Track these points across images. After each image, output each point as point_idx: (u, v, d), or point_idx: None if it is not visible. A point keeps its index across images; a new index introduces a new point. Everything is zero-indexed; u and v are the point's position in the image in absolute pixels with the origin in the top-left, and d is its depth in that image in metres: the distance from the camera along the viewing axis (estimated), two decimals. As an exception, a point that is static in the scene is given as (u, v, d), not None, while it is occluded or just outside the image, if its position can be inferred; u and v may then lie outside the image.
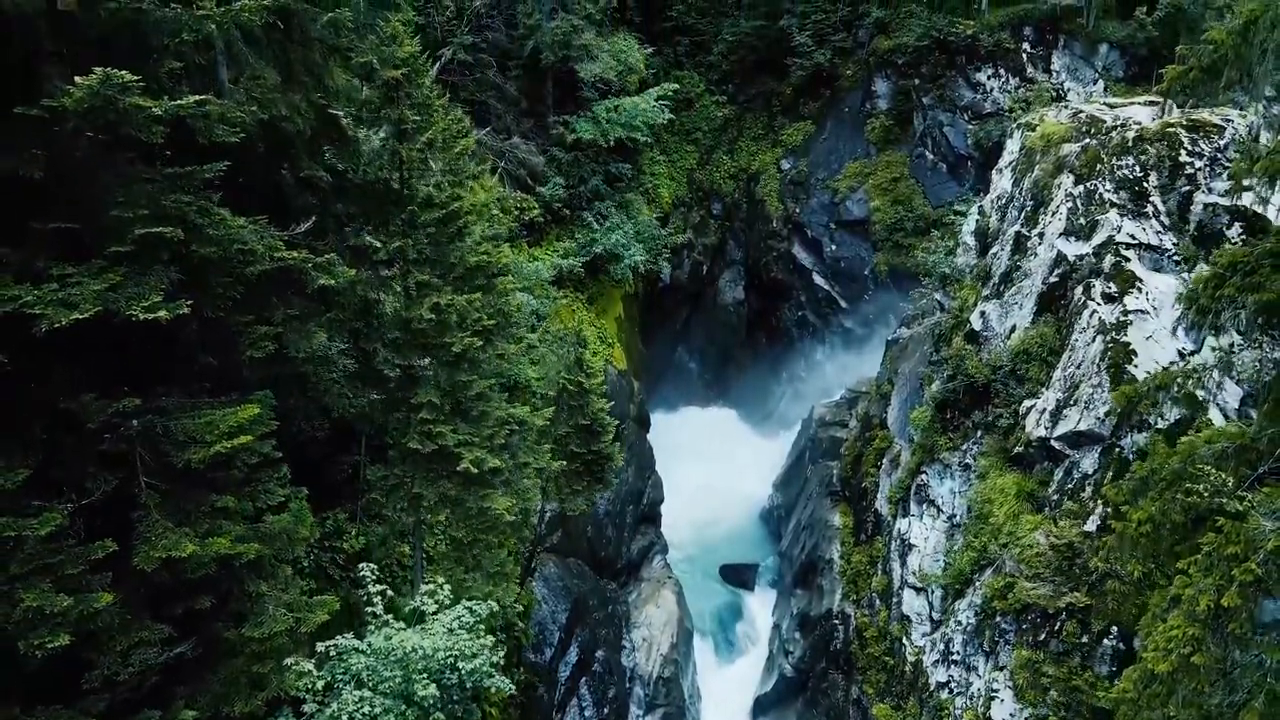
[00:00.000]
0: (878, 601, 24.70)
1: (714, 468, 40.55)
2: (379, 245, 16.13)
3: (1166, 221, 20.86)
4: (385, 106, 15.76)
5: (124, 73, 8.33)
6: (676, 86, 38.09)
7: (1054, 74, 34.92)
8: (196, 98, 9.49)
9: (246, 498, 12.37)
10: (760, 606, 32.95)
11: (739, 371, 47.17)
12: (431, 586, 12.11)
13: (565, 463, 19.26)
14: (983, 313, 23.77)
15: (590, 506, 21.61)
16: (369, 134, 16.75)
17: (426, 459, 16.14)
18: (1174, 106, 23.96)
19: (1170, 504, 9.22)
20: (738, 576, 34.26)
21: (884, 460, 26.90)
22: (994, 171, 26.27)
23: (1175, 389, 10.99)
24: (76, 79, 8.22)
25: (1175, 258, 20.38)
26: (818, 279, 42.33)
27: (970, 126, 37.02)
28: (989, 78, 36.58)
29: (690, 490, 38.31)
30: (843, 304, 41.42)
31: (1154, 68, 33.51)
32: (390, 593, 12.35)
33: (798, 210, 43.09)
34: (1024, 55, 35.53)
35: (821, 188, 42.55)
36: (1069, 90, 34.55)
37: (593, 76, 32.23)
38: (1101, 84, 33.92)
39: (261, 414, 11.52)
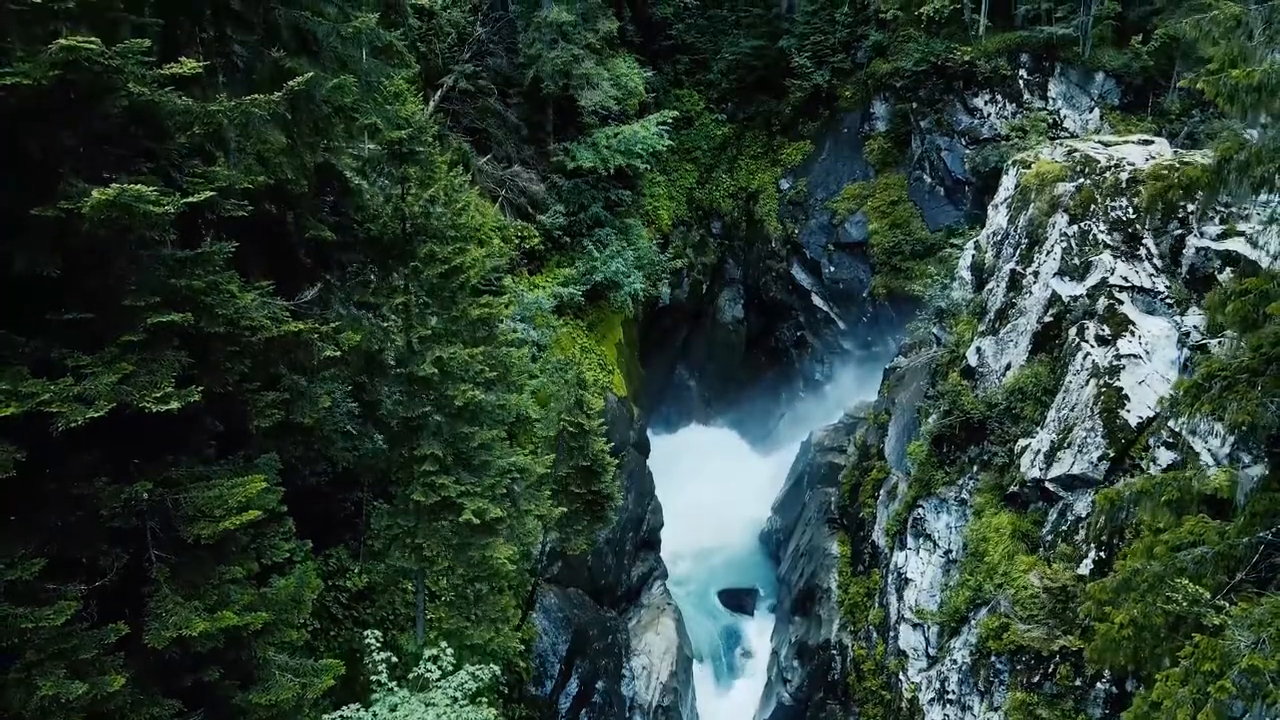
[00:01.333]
0: (875, 634, 24.95)
1: (714, 487, 40.77)
2: (383, 299, 16.45)
3: (1159, 264, 21.13)
4: (389, 164, 16.08)
5: (139, 186, 8.59)
6: (676, 113, 38.39)
7: (1050, 101, 35.19)
8: (209, 192, 9.75)
9: (252, 556, 12.64)
10: (759, 631, 33.21)
11: (738, 390, 47.39)
12: (435, 651, 12.36)
13: (565, 509, 19.53)
14: (979, 349, 24.02)
15: (591, 545, 21.88)
16: (373, 185, 17.08)
17: (430, 509, 16.42)
18: (1166, 146, 24.28)
19: (1151, 608, 9.47)
20: (736, 601, 34.53)
21: (881, 491, 27.16)
22: (990, 207, 26.53)
23: (1158, 495, 11.19)
24: (94, 192, 8.47)
25: (1168, 300, 20.64)
26: (816, 300, 42.60)
27: (967, 151, 37.29)
28: (986, 103, 36.85)
29: (690, 511, 38.50)
30: (841, 325, 41.69)
31: (1149, 96, 33.90)
32: (395, 659, 12.58)
33: (796, 231, 43.36)
34: (1021, 82, 35.80)
35: (820, 208, 42.82)
36: (1065, 117, 34.83)
37: (593, 105, 32.51)
38: (1098, 112, 34.19)
39: (268, 486, 11.76)
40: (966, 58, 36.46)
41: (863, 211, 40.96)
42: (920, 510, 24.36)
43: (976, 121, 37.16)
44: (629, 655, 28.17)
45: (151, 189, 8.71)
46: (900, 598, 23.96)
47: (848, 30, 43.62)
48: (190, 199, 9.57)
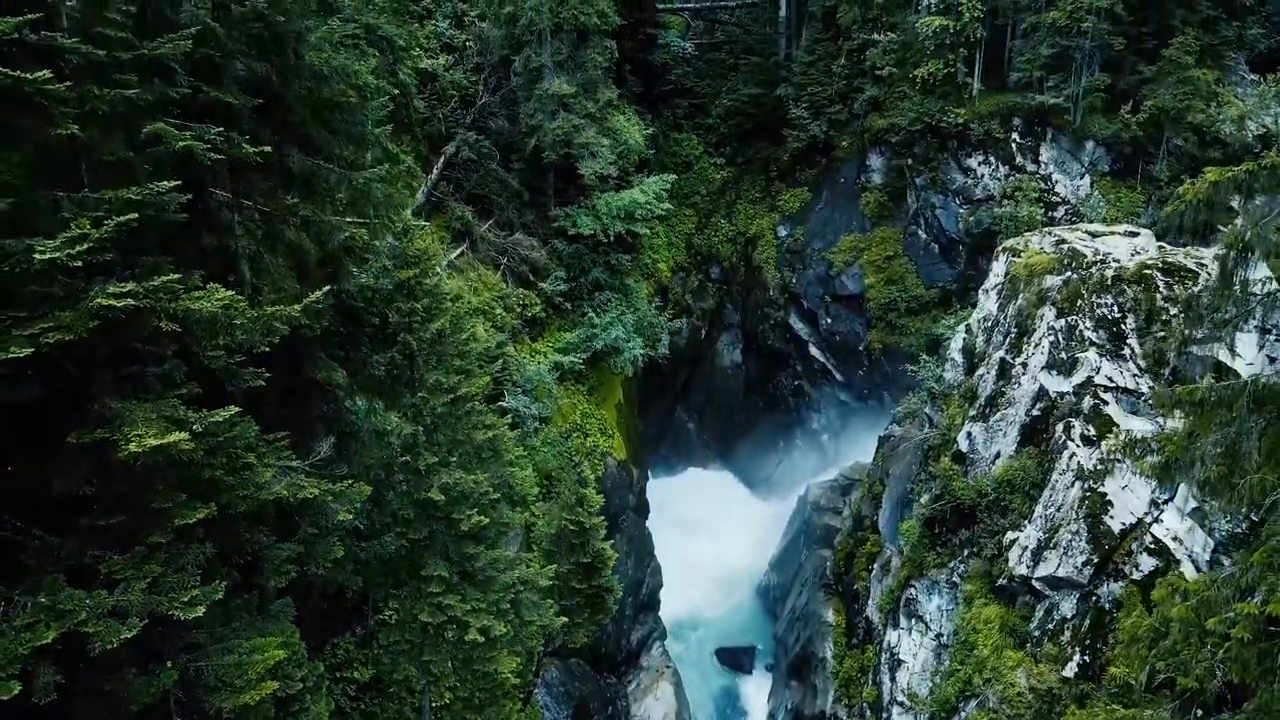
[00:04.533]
0: (869, 712, 25.55)
1: (712, 535, 41.46)
2: (392, 426, 17.08)
3: (1143, 364, 21.74)
4: (398, 297, 16.71)
5: (177, 434, 9.23)
6: (675, 176, 38.99)
7: (1042, 165, 35.81)
8: (234, 408, 10.38)
9: (269, 703, 13.25)
10: (756, 689, 33.82)
11: (737, 433, 48.02)
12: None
13: (567, 603, 20.15)
14: (969, 434, 24.63)
15: (591, 637, 22.50)
16: (380, 310, 17.71)
17: (436, 627, 17.04)
18: (1152, 240, 24.93)
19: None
20: (734, 659, 35.14)
21: (875, 565, 27.77)
22: (981, 291, 27.15)
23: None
24: (132, 444, 9.11)
25: (1151, 402, 21.23)
26: (814, 350, 43.22)
27: (961, 210, 37.89)
28: (979, 164, 37.47)
29: (689, 561, 39.17)
30: (838, 376, 42.29)
31: (1139, 163, 34.54)
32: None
33: (794, 280, 43.96)
34: (1013, 145, 36.43)
35: (817, 259, 43.41)
36: (1057, 182, 35.44)
37: (594, 173, 33.11)
38: (1089, 179, 34.80)
39: (286, 650, 12.37)
40: (960, 120, 37.06)
41: (859, 264, 41.56)
42: (912, 590, 24.97)
43: (970, 181, 37.77)
44: (628, 722, 28.79)
45: (186, 434, 9.33)
46: (893, 678, 24.57)
47: (845, 82, 44.22)
48: (217, 416, 10.19)
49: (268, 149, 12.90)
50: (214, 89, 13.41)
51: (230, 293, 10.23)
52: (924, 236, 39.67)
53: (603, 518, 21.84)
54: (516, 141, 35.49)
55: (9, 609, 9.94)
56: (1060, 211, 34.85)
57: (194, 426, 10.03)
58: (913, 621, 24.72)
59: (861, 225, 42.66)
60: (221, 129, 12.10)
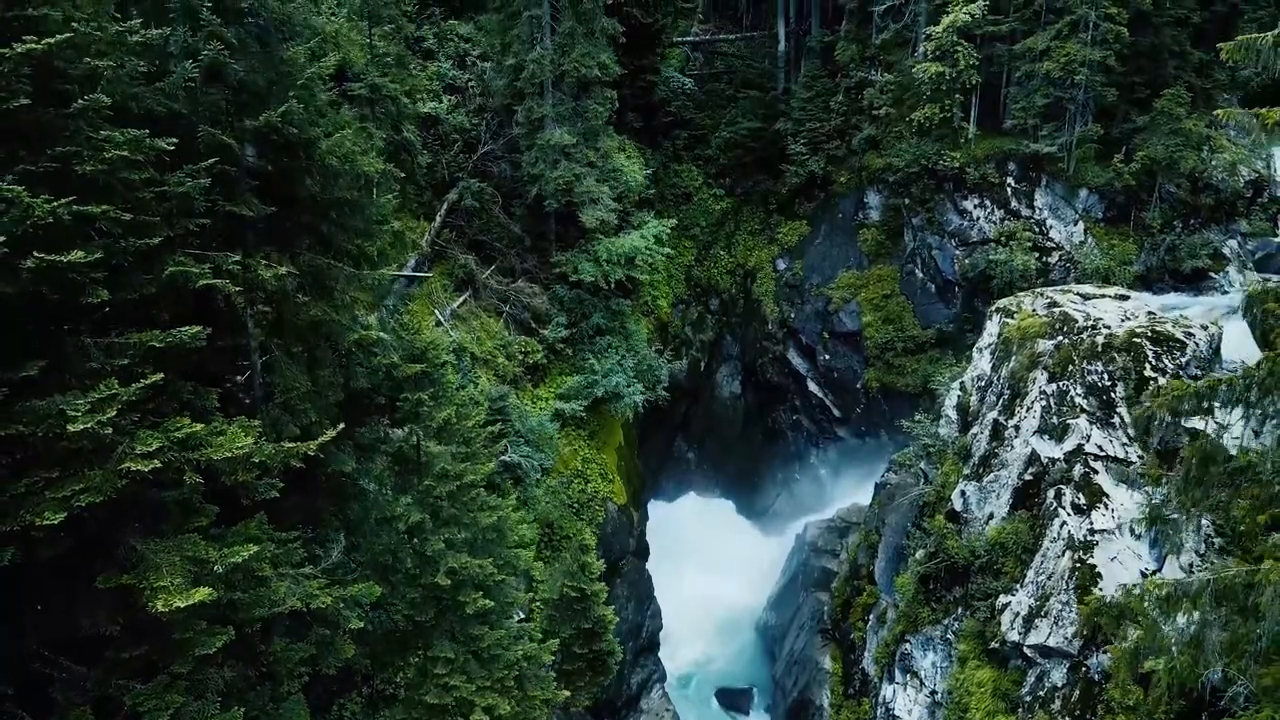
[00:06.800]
0: (865, 765, 26.08)
1: (711, 567, 41.85)
2: (400, 512, 17.56)
3: (1132, 433, 22.22)
4: (405, 389, 17.20)
5: (201, 591, 9.72)
6: (675, 221, 39.50)
7: (1037, 210, 36.30)
8: (252, 546, 10.86)
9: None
10: (755, 732, 34.39)
11: (736, 464, 48.47)
12: None
13: (569, 688, 20.63)
14: (963, 492, 25.11)
15: (593, 699, 22.97)
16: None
17: (442, 707, 17.53)
18: (1143, 304, 25.40)
19: None
20: (733, 701, 35.63)
21: (871, 616, 28.26)
22: (975, 349, 27.63)
23: None
24: (158, 602, 9.59)
25: (1140, 472, 21.73)
26: (812, 386, 43.70)
27: (957, 252, 38.37)
28: (975, 206, 37.95)
29: (689, 593, 39.61)
30: (836, 413, 42.76)
31: (1132, 210, 35.08)
32: None
33: (793, 315, 44.46)
34: (1008, 189, 36.92)
35: (815, 294, 43.91)
36: (1051, 227, 35.94)
37: (595, 221, 33.56)
38: (1082, 225, 35.30)
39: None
40: (956, 163, 37.55)
41: (857, 301, 42.04)
42: (907, 645, 25.45)
43: (966, 224, 38.25)
44: (629, 769, 29.24)
45: (209, 589, 9.80)
46: (888, 734, 25.06)
47: (842, 119, 44.71)
48: (237, 557, 10.67)
49: (282, 270, 13.39)
50: (229, 203, 13.88)
51: (251, 438, 10.70)
52: (921, 276, 40.15)
53: (603, 583, 22.32)
54: (518, 188, 35.98)
55: (39, 744, 10.46)
56: (1055, 257, 35.35)
57: (215, 567, 10.52)
58: (908, 677, 25.20)
59: (859, 262, 43.14)
60: (238, 258, 12.59)
